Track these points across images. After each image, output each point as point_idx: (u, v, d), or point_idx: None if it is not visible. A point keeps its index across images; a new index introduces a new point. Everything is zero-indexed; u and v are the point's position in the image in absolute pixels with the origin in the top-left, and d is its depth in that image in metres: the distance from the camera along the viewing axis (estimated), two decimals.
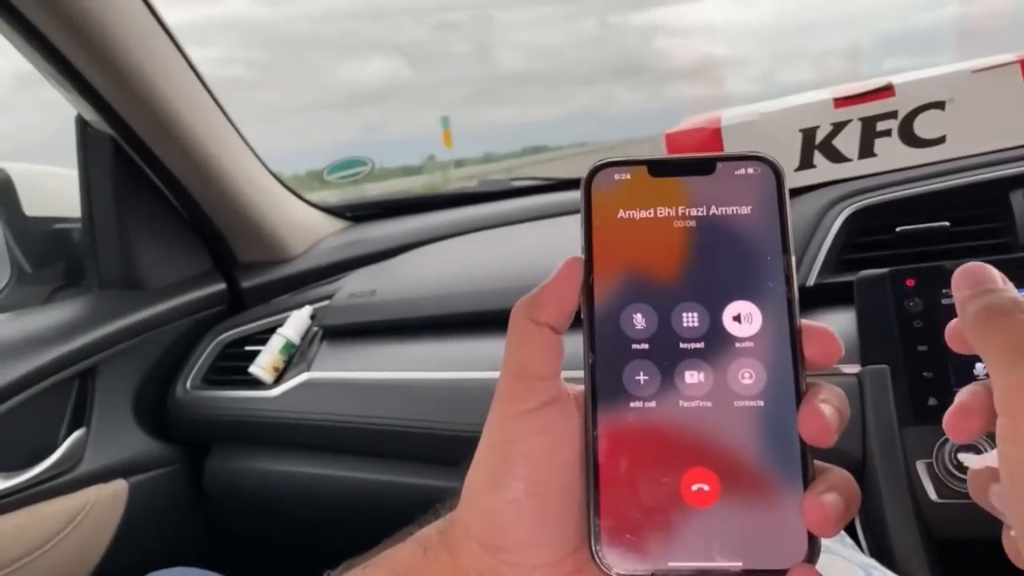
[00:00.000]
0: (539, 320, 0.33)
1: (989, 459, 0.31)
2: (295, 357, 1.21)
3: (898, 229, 0.89)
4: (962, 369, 0.75)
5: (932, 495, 0.73)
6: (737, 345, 0.33)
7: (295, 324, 1.22)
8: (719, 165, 0.34)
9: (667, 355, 0.33)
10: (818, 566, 0.32)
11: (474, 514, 0.34)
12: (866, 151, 0.98)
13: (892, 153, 0.97)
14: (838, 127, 0.99)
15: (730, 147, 1.03)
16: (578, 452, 0.33)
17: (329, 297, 1.26)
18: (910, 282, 0.81)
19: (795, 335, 0.33)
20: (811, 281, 0.88)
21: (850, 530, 0.77)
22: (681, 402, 0.32)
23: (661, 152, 1.09)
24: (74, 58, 1.04)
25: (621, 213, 0.34)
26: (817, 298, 0.88)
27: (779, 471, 0.32)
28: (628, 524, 0.32)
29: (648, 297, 0.33)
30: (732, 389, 0.32)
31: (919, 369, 0.77)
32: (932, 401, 0.76)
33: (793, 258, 0.33)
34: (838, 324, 0.84)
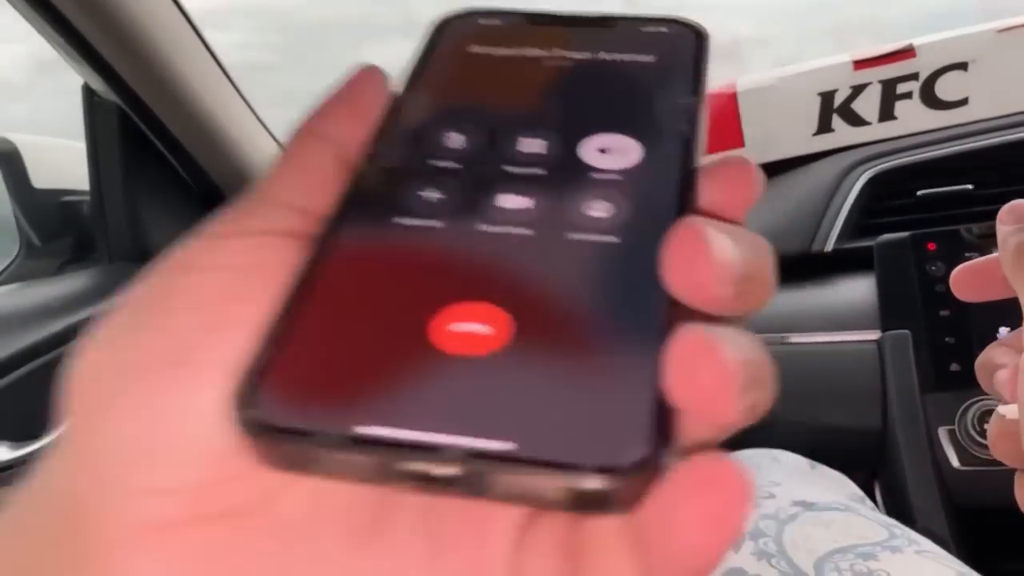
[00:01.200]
0: (319, 132, 0.23)
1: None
2: None
3: (919, 193, 0.87)
4: (985, 334, 0.74)
5: (954, 462, 0.72)
6: (594, 176, 0.23)
7: None
8: (622, 22, 0.27)
9: (481, 176, 0.23)
10: (840, 523, 0.30)
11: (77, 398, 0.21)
12: (886, 114, 0.96)
13: (913, 116, 0.95)
14: (857, 90, 0.97)
15: (746, 111, 1.01)
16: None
17: None
18: (932, 246, 0.79)
19: (688, 175, 0.22)
20: (830, 246, 0.87)
21: (870, 496, 0.76)
22: (481, 226, 0.22)
23: None
24: (79, 23, 1.03)
25: (474, 48, 0.27)
26: (836, 264, 0.86)
27: (618, 323, 0.19)
28: (319, 365, 0.18)
29: (476, 119, 0.24)
30: (570, 220, 0.22)
31: (941, 334, 0.76)
32: (954, 367, 0.74)
33: (704, 104, 0.24)
34: (857, 290, 0.83)
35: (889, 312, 0.79)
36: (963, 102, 0.93)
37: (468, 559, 0.18)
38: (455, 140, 0.24)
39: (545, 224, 0.21)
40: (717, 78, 1.08)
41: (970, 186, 0.85)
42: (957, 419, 0.72)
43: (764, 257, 0.19)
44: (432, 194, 0.22)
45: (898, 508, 0.74)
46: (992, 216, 0.83)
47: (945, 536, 0.71)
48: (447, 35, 0.27)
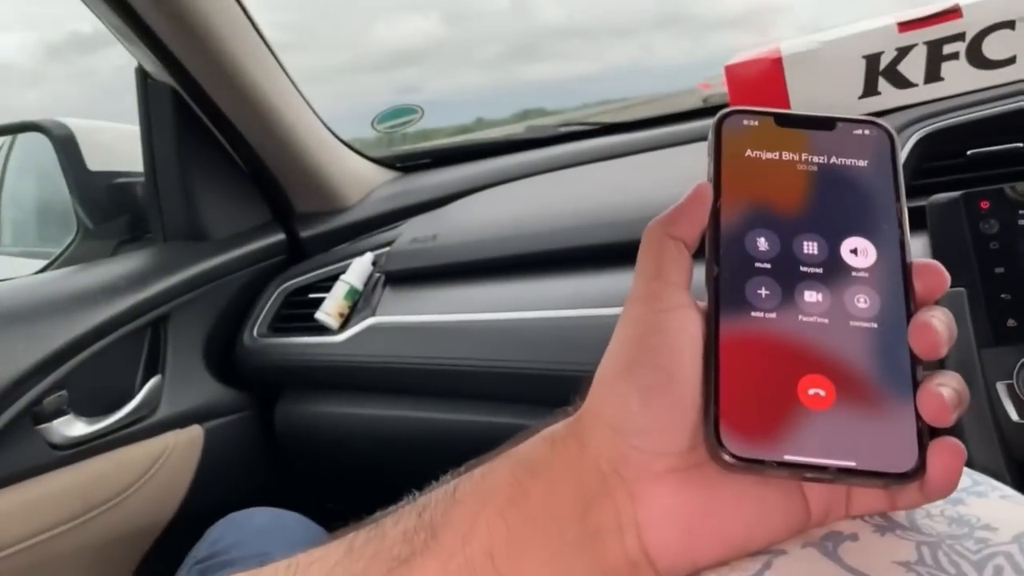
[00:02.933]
0: (674, 234, 0.37)
1: None
2: (359, 303, 1.22)
3: (969, 152, 0.87)
4: None
5: (1013, 415, 0.72)
6: (853, 274, 0.36)
7: (358, 270, 1.23)
8: (839, 124, 0.38)
9: (788, 275, 0.36)
10: (989, 507, 0.36)
11: (606, 400, 0.35)
12: (932, 75, 0.97)
13: (960, 76, 0.96)
14: (903, 52, 0.98)
15: (792, 76, 1.02)
16: (704, 353, 0.35)
17: (388, 244, 1.27)
18: (984, 204, 0.80)
19: (906, 270, 0.36)
20: None
21: None
22: (800, 316, 0.35)
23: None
24: (137, 5, 1.05)
25: (748, 152, 0.38)
26: None
27: (891, 383, 0.34)
28: (746, 416, 0.34)
29: (771, 224, 0.37)
30: (848, 311, 0.35)
31: (997, 291, 0.77)
32: (1011, 322, 0.75)
33: (906, 208, 0.37)
34: (912, 250, 0.83)
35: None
36: (1011, 60, 0.94)
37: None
38: (763, 244, 0.36)
39: (833, 314, 0.35)
40: (740, 49, 1.09)
41: (1020, 144, 0.86)
42: (1015, 373, 0.73)
43: (953, 321, 0.35)
44: (765, 292, 0.36)
45: None
46: None
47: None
48: (727, 136, 0.38)
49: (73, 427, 1.05)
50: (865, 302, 0.35)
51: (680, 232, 0.37)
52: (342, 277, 1.22)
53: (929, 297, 0.36)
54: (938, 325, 0.34)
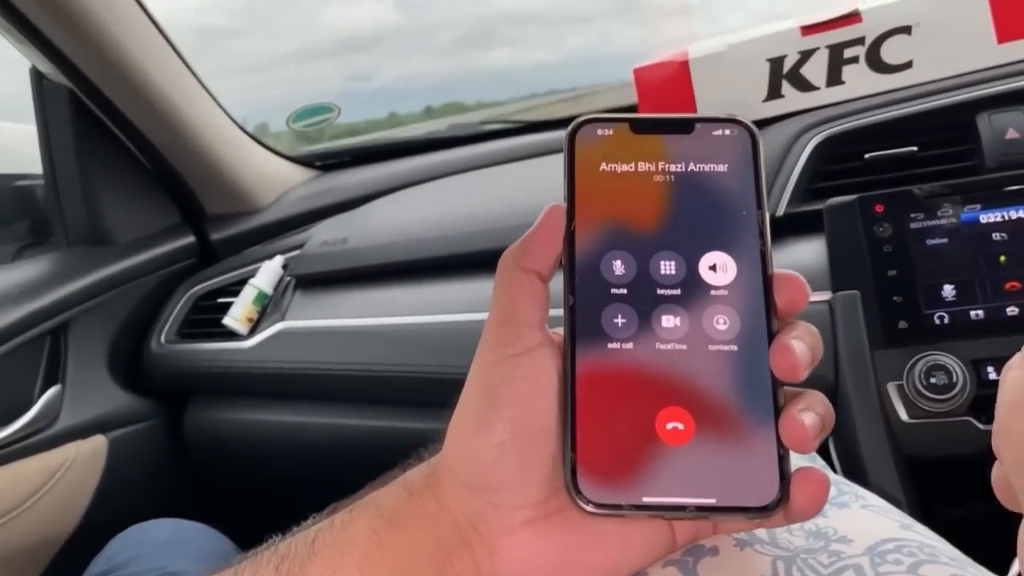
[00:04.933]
0: (526, 267, 0.35)
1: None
2: (269, 307, 1.20)
3: (866, 156, 0.89)
4: (931, 293, 0.76)
5: (903, 415, 0.74)
6: (712, 293, 0.34)
7: (267, 274, 1.21)
8: (698, 126, 0.36)
9: (645, 300, 0.34)
10: (849, 518, 0.36)
11: (459, 457, 0.35)
12: (834, 79, 0.98)
13: (860, 80, 0.97)
14: (805, 55, 0.99)
15: (698, 79, 1.03)
16: (560, 394, 0.34)
17: (300, 247, 1.25)
18: (879, 208, 0.81)
19: (767, 284, 0.34)
20: (780, 211, 0.89)
21: (824, 452, 0.79)
22: (657, 344, 0.34)
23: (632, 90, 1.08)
24: (23, 5, 1.01)
25: (603, 166, 0.36)
26: (787, 227, 0.88)
27: (751, 411, 0.33)
28: (604, 460, 0.33)
29: (627, 245, 0.35)
30: (707, 333, 0.34)
31: (889, 293, 0.78)
32: (902, 324, 0.77)
33: (767, 214, 0.35)
34: (808, 252, 0.85)
35: (839, 273, 0.81)
36: (908, 65, 0.95)
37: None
38: (619, 267, 0.35)
39: (691, 338, 0.34)
40: (695, 36, 1.09)
41: (915, 148, 0.88)
42: (905, 374, 0.74)
43: (818, 339, 0.34)
44: (621, 320, 0.34)
45: (850, 460, 0.77)
46: (936, 177, 0.86)
47: (895, 486, 0.74)
48: (580, 150, 0.36)
49: None
50: (724, 323, 0.34)
51: (532, 263, 0.35)
52: (251, 281, 1.20)
53: (791, 311, 0.34)
54: (798, 348, 0.33)
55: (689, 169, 0.36)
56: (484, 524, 0.34)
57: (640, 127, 0.36)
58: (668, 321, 0.34)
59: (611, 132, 0.36)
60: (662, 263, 0.35)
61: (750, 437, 0.33)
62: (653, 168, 0.36)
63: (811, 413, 0.32)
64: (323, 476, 1.14)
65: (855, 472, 0.75)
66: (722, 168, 0.36)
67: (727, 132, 0.36)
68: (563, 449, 0.33)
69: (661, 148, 0.36)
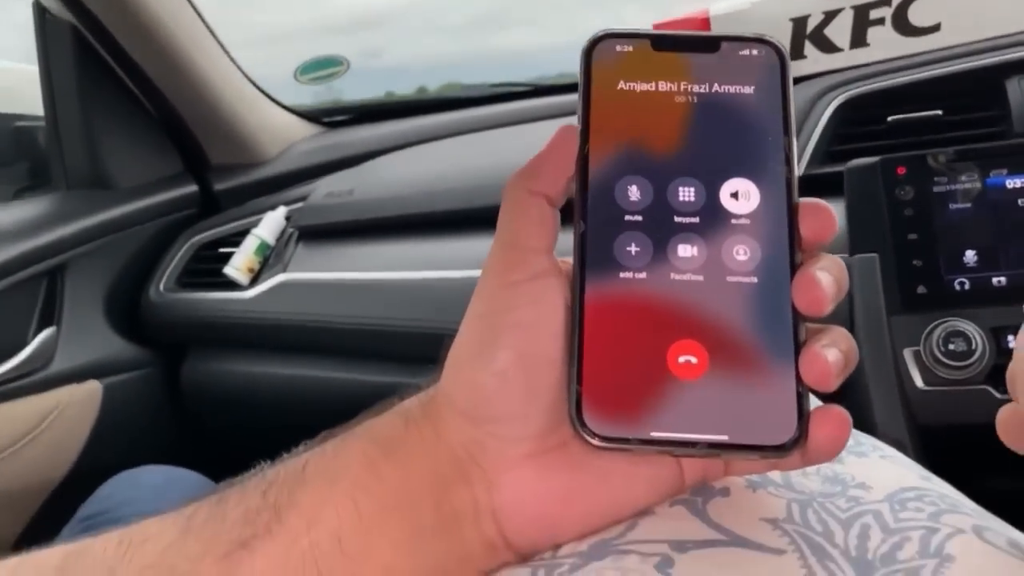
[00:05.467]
0: (534, 189, 0.33)
1: None
2: (270, 259, 1.19)
3: (889, 119, 0.87)
4: (952, 258, 0.75)
5: (918, 382, 0.73)
6: (733, 221, 0.33)
7: (269, 225, 1.20)
8: (723, 44, 0.34)
9: (660, 228, 0.33)
10: (867, 466, 0.35)
11: (459, 385, 0.33)
12: (858, 40, 0.96)
13: (885, 42, 0.95)
14: (829, 16, 0.97)
15: None
16: (567, 324, 0.32)
17: (303, 199, 1.24)
18: (901, 170, 0.79)
19: (792, 213, 0.33)
20: (800, 172, 0.86)
21: None
22: (672, 275, 0.32)
23: None
24: None
25: (621, 84, 0.34)
26: (807, 189, 0.85)
27: (770, 347, 0.31)
28: (611, 393, 0.31)
29: (644, 169, 0.33)
30: (725, 264, 0.32)
31: (909, 257, 0.76)
32: (921, 289, 0.75)
33: (794, 139, 0.34)
34: None
35: (858, 236, 0.79)
36: (935, 28, 0.93)
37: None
38: (634, 193, 0.33)
39: (709, 269, 0.32)
40: None
41: (939, 112, 0.85)
42: (922, 341, 0.72)
43: (844, 272, 0.32)
44: (635, 248, 0.32)
45: (863, 426, 0.74)
46: (961, 141, 0.83)
47: (908, 454, 0.72)
48: (597, 67, 0.34)
49: None
50: (745, 254, 0.32)
51: (542, 186, 0.33)
52: (253, 231, 1.19)
53: (817, 242, 0.32)
54: (824, 280, 0.31)
55: (713, 90, 0.34)
56: (483, 456, 0.33)
57: (662, 44, 0.34)
58: (685, 251, 0.32)
59: (631, 49, 0.34)
60: (681, 189, 0.33)
61: (768, 372, 0.31)
62: (675, 88, 0.34)
63: (834, 349, 0.31)
64: (317, 429, 1.13)
65: None
66: (748, 90, 0.34)
67: (755, 52, 0.34)
68: (568, 380, 0.32)
69: (684, 67, 0.34)
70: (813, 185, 0.85)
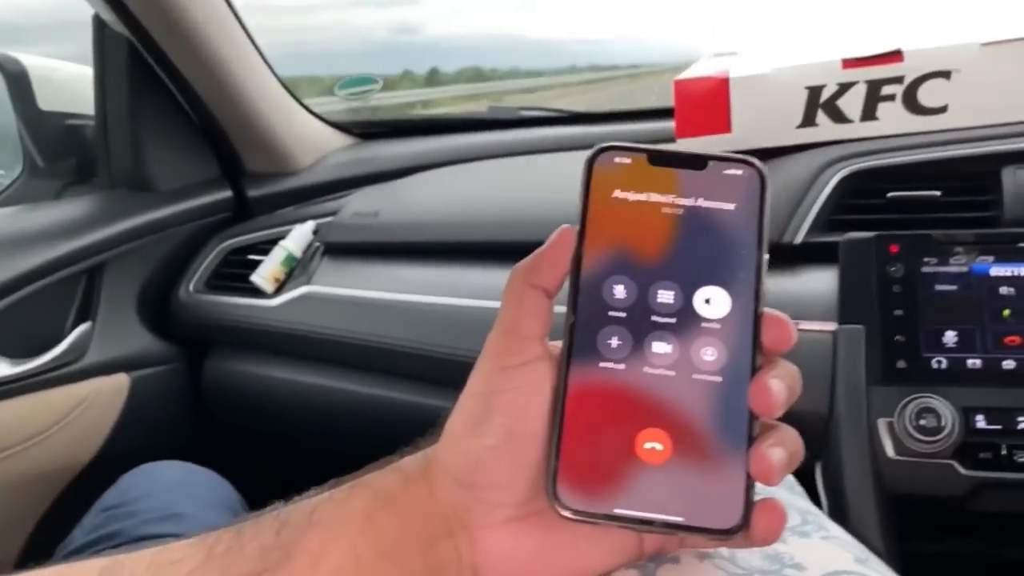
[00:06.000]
0: (534, 283, 0.37)
1: None
2: (296, 270, 1.24)
3: (889, 195, 0.90)
4: (933, 337, 0.78)
5: (889, 451, 0.76)
6: (704, 325, 0.36)
7: (297, 238, 1.25)
8: (711, 163, 0.38)
9: (640, 325, 0.37)
10: (807, 547, 0.38)
11: (453, 454, 0.37)
12: (868, 114, 0.99)
13: (894, 118, 0.98)
14: (844, 88, 1.00)
15: (737, 98, 1.04)
16: (553, 405, 0.37)
17: (333, 213, 1.28)
18: (894, 248, 0.83)
19: (757, 322, 0.36)
20: (799, 239, 0.90)
21: (809, 479, 0.81)
22: (647, 368, 0.36)
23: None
24: None
25: (617, 193, 0.38)
26: (805, 256, 0.90)
27: (726, 441, 0.35)
28: (584, 471, 0.35)
29: (630, 271, 0.37)
30: (694, 363, 0.36)
31: (892, 332, 0.80)
32: (901, 364, 0.79)
33: (766, 256, 0.37)
34: (821, 282, 0.87)
35: (847, 307, 0.83)
36: (943, 109, 0.96)
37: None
38: (620, 292, 0.37)
39: (679, 366, 0.36)
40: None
41: (938, 192, 0.89)
42: (897, 412, 0.76)
43: (796, 380, 0.36)
44: (616, 342, 0.37)
45: (835, 489, 0.79)
46: (956, 223, 0.87)
47: (874, 518, 0.77)
48: (597, 176, 0.38)
49: None
50: (712, 355, 0.36)
51: (540, 280, 0.37)
52: (281, 243, 1.24)
53: (775, 350, 0.36)
54: (775, 388, 0.35)
55: (698, 204, 0.38)
56: (469, 517, 0.37)
57: (656, 159, 0.38)
58: (660, 347, 0.36)
59: (628, 161, 0.38)
60: (661, 292, 0.37)
61: (722, 464, 0.35)
62: (663, 200, 0.38)
63: (780, 449, 0.35)
64: (329, 437, 1.19)
65: (839, 503, 0.78)
66: (729, 207, 0.38)
67: (738, 172, 0.38)
68: (548, 456, 0.36)
69: (673, 182, 0.38)
70: (812, 253, 0.89)
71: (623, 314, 0.37)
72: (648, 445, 0.35)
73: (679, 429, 0.36)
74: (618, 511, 0.35)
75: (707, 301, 0.37)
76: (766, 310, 0.37)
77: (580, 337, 0.37)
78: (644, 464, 0.35)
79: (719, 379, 0.36)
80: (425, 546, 0.38)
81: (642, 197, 0.38)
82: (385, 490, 0.39)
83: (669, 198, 0.38)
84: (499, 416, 0.36)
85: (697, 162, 0.38)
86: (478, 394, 0.37)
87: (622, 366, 0.36)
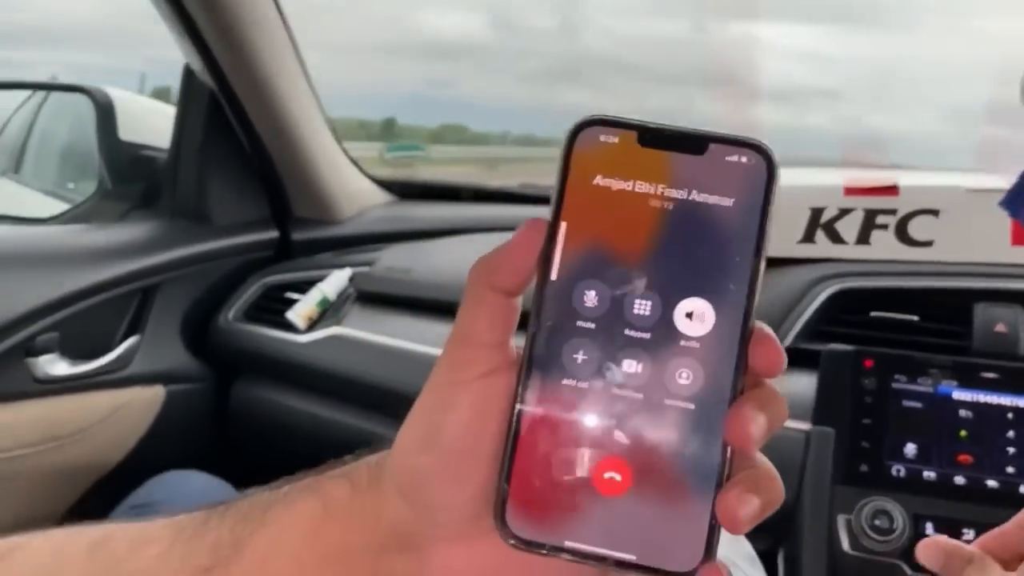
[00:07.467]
0: (494, 284, 0.33)
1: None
2: (329, 312, 1.33)
3: (872, 313, 0.99)
4: (895, 447, 0.86)
5: (845, 546, 0.83)
6: (682, 343, 0.32)
7: (334, 282, 1.35)
8: (712, 146, 0.32)
9: (610, 339, 0.32)
10: None
11: (399, 469, 0.35)
12: (863, 239, 1.08)
13: (885, 245, 1.07)
14: (843, 212, 1.08)
15: None
16: (507, 422, 0.33)
17: (368, 264, 1.38)
18: (869, 363, 0.92)
19: (744, 341, 0.31)
20: (787, 343, 0.99)
21: (772, 562, 0.89)
22: (613, 389, 0.32)
23: None
24: (194, 13, 1.18)
25: (598, 179, 0.32)
26: (789, 359, 0.98)
27: (694, 476, 0.31)
28: (535, 498, 0.32)
29: (605, 275, 0.32)
30: (666, 386, 0.31)
31: (859, 438, 0.88)
32: (863, 468, 0.87)
33: (763, 263, 0.32)
34: (801, 384, 0.95)
35: (821, 410, 0.91)
36: (929, 243, 1.05)
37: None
38: (591, 299, 0.32)
39: (651, 389, 0.31)
40: (775, 126, 1.18)
41: (915, 317, 0.98)
42: (855, 511, 0.83)
43: (781, 407, 0.32)
44: (582, 357, 0.32)
45: (793, 571, 0.88)
46: (928, 347, 0.96)
47: None
48: (577, 158, 0.33)
49: (56, 366, 1.17)
50: (688, 378, 0.31)
51: (501, 281, 0.33)
52: (319, 285, 1.34)
53: (763, 373, 0.32)
54: (756, 419, 0.31)
55: (691, 197, 0.32)
56: (416, 533, 0.35)
57: (649, 139, 0.33)
58: (630, 366, 0.32)
59: (615, 140, 0.33)
60: (637, 302, 0.32)
61: (686, 501, 0.31)
62: (651, 190, 0.32)
63: (752, 497, 0.30)
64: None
65: None
66: (727, 202, 0.32)
67: (742, 159, 0.32)
68: (498, 478, 0.32)
69: (665, 168, 0.32)
70: (796, 358, 0.97)
71: (592, 325, 0.32)
72: (607, 475, 0.31)
73: (642, 459, 0.31)
74: (569, 543, 0.31)
75: (689, 315, 0.32)
76: (757, 324, 0.32)
77: (541, 349, 0.32)
78: (600, 496, 0.31)
79: (693, 406, 0.31)
80: (373, 558, 0.36)
81: (627, 186, 0.32)
82: (334, 499, 0.37)
83: (658, 188, 0.32)
84: (447, 434, 0.33)
85: (696, 144, 0.32)
86: (427, 410, 0.34)
87: (586, 384, 0.32)
